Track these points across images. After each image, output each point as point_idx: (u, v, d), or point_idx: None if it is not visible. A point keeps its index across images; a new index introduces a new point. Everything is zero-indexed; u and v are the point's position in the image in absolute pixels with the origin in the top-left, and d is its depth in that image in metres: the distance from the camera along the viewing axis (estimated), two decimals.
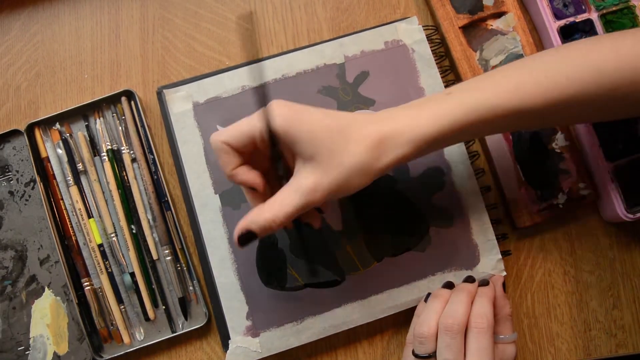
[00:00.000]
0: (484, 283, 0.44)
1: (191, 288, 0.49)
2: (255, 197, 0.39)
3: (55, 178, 0.49)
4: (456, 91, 0.38)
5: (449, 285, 0.45)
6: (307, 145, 0.34)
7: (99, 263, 0.48)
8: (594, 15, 0.50)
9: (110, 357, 0.47)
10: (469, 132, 0.38)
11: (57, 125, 0.50)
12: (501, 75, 0.38)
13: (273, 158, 0.37)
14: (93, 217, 0.49)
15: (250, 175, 0.37)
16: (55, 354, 0.48)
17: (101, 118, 0.50)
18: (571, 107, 0.37)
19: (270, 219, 0.35)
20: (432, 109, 0.37)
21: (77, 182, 0.49)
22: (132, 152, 0.50)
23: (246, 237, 0.36)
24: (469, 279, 0.45)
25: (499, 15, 0.52)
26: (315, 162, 0.35)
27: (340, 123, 0.35)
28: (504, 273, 0.48)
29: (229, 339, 0.46)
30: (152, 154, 0.49)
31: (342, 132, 0.35)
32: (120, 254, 0.49)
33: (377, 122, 0.36)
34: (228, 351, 0.46)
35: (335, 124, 0.35)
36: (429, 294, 0.45)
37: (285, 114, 0.35)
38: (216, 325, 0.47)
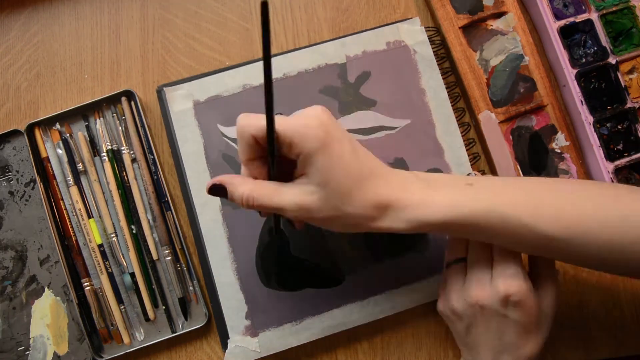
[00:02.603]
0: None
1: (191, 288, 0.49)
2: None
3: (55, 178, 0.49)
4: (477, 185, 0.37)
5: None
6: (322, 174, 0.34)
7: (99, 263, 0.48)
8: (594, 16, 0.50)
9: (110, 357, 0.47)
10: (475, 233, 0.37)
11: (57, 126, 0.50)
12: (524, 191, 0.37)
13: (271, 159, 0.36)
14: (93, 217, 0.49)
15: (259, 172, 0.37)
16: (55, 354, 0.48)
17: (101, 118, 0.50)
18: (583, 245, 0.35)
19: (251, 196, 0.35)
20: (447, 195, 0.36)
21: (77, 182, 0.49)
22: (132, 152, 0.50)
23: (216, 191, 0.37)
24: None
25: (499, 15, 0.52)
26: (320, 189, 0.34)
27: (362, 171, 0.35)
28: None
29: (228, 338, 0.46)
30: (152, 154, 0.49)
31: (358, 181, 0.35)
32: (120, 254, 0.49)
33: (391, 187, 0.36)
34: (227, 351, 0.46)
35: (356, 169, 0.35)
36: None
37: (320, 137, 0.34)
38: (216, 325, 0.47)
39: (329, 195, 0.34)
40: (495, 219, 0.35)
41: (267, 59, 0.29)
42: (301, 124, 0.34)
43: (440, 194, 0.36)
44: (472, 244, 0.40)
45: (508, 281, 0.37)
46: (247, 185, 0.35)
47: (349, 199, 0.34)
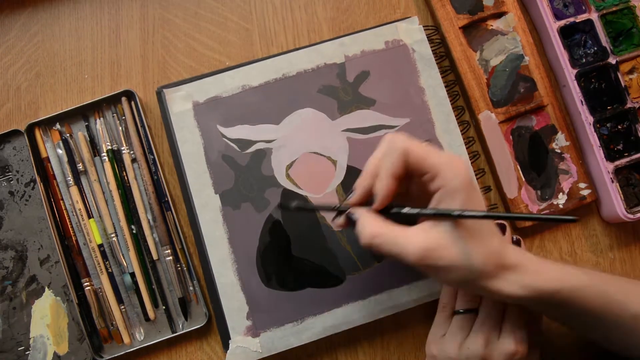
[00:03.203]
0: (517, 245, 0.45)
1: (191, 288, 0.49)
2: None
3: (55, 178, 0.49)
4: (572, 264, 0.39)
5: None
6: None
7: (99, 263, 0.48)
8: (594, 16, 0.50)
9: (110, 357, 0.47)
10: (572, 306, 0.37)
11: (57, 126, 0.50)
12: (612, 275, 0.40)
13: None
14: (93, 217, 0.49)
15: (387, 190, 0.36)
16: (55, 354, 0.48)
17: (101, 118, 0.50)
18: None
19: (374, 238, 0.35)
20: (557, 267, 0.37)
21: (77, 182, 0.49)
22: (132, 152, 0.50)
23: (347, 219, 0.38)
24: (501, 230, 0.45)
25: (499, 15, 0.52)
26: (454, 230, 0.34)
27: (493, 227, 0.35)
28: None
29: (229, 339, 0.46)
30: (152, 154, 0.49)
31: (490, 233, 0.35)
32: (120, 254, 0.49)
33: (515, 250, 0.36)
34: (228, 351, 0.46)
35: (490, 224, 0.35)
36: None
37: (469, 178, 0.34)
38: (216, 325, 0.47)
39: (459, 239, 0.34)
40: (593, 292, 0.36)
41: None
42: (454, 159, 0.34)
43: (551, 265, 0.37)
44: (486, 300, 0.41)
45: (518, 343, 0.39)
46: (374, 226, 0.36)
47: (476, 250, 0.34)
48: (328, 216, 0.48)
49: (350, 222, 0.38)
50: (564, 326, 0.44)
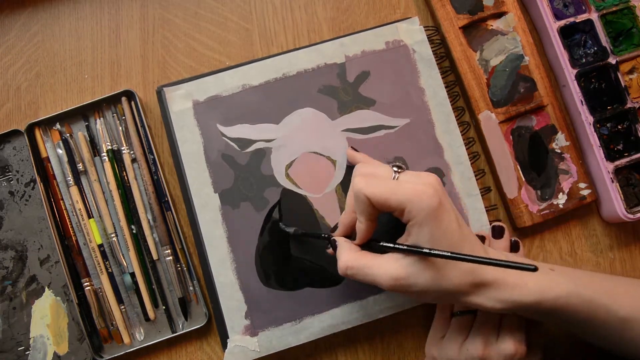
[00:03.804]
0: (515, 247, 0.45)
1: (191, 288, 0.49)
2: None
3: (55, 178, 0.49)
4: (558, 270, 0.39)
5: (481, 242, 0.44)
6: (429, 244, 0.35)
7: (99, 263, 0.48)
8: (594, 16, 0.50)
9: (110, 357, 0.47)
10: (555, 314, 0.37)
11: (57, 126, 0.50)
12: (602, 277, 0.40)
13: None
14: (93, 217, 0.49)
15: (367, 228, 0.38)
16: (55, 354, 0.48)
17: (101, 118, 0.50)
18: None
19: (350, 267, 0.37)
20: (537, 278, 0.37)
21: (77, 182, 0.49)
22: (132, 152, 0.50)
23: (332, 245, 0.40)
24: (499, 233, 0.45)
25: (499, 15, 0.52)
26: (422, 260, 0.35)
27: (464, 246, 0.36)
28: None
29: (228, 338, 0.46)
30: (152, 154, 0.49)
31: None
32: (121, 254, 0.49)
33: (485, 267, 0.36)
34: (226, 350, 0.46)
35: (459, 243, 0.35)
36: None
37: (433, 207, 0.34)
38: (215, 325, 0.47)
39: (428, 267, 0.35)
40: (578, 300, 0.37)
41: None
42: (417, 192, 0.35)
43: (532, 277, 0.37)
44: None
45: (517, 344, 0.39)
46: (347, 254, 0.38)
47: (448, 273, 0.35)
48: (327, 216, 0.48)
49: (332, 247, 0.40)
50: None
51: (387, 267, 0.36)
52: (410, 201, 0.34)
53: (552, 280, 0.37)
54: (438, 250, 0.34)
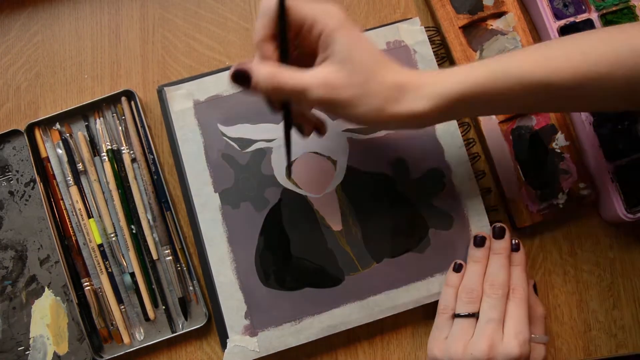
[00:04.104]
0: (516, 248, 0.45)
1: (191, 288, 0.49)
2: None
3: (55, 178, 0.49)
4: (487, 60, 0.38)
5: (482, 242, 0.45)
6: (346, 50, 0.34)
7: (99, 263, 0.48)
8: (594, 15, 0.50)
9: (110, 357, 0.47)
10: (492, 101, 0.37)
11: (57, 125, 0.50)
12: (533, 49, 0.38)
13: (281, 37, 0.36)
14: (93, 217, 0.49)
15: (272, 55, 0.36)
16: (55, 354, 0.48)
17: (101, 118, 0.50)
18: (601, 87, 0.36)
19: (274, 76, 0.35)
20: (460, 70, 0.37)
21: (77, 182, 0.49)
22: (132, 152, 0.50)
23: (239, 78, 0.36)
24: (500, 234, 0.45)
25: (499, 15, 0.52)
26: (345, 65, 0.35)
27: (380, 54, 0.36)
28: None
29: (228, 338, 0.46)
30: (152, 154, 0.49)
31: (379, 61, 0.36)
32: (120, 254, 0.49)
33: (406, 70, 0.37)
34: (226, 350, 0.46)
35: (376, 50, 0.36)
36: (457, 264, 0.46)
37: (342, 16, 0.35)
38: (215, 325, 0.47)
39: (353, 71, 0.35)
40: (511, 78, 0.36)
41: None
42: (323, 5, 0.35)
43: (454, 70, 0.37)
44: (487, 300, 0.42)
45: (521, 346, 0.40)
46: (269, 67, 0.35)
47: (373, 75, 0.35)
48: (327, 216, 0.48)
49: (244, 79, 0.36)
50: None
51: (315, 73, 0.35)
52: (320, 12, 0.35)
53: (479, 67, 0.37)
54: None
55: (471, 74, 0.36)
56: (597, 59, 0.35)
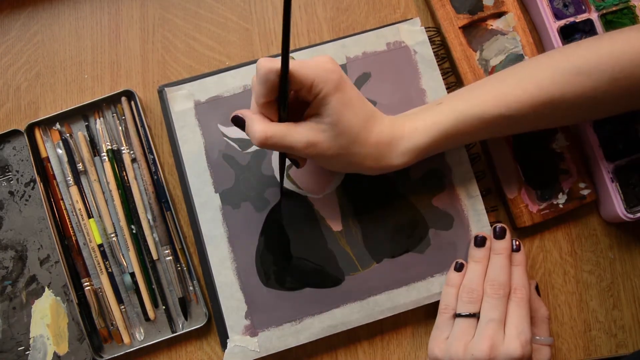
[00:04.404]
0: (517, 249, 0.45)
1: (191, 288, 0.49)
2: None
3: (55, 178, 0.49)
4: (446, 101, 0.43)
5: (483, 242, 0.46)
6: (335, 113, 0.37)
7: (99, 263, 0.48)
8: (594, 15, 0.50)
9: (110, 357, 0.47)
10: (461, 138, 0.43)
11: (57, 125, 0.50)
12: (490, 85, 0.42)
13: (281, 102, 0.38)
14: (93, 217, 0.49)
15: (272, 116, 0.39)
16: (55, 354, 0.48)
17: (101, 118, 0.50)
18: (557, 108, 0.41)
19: (265, 134, 0.37)
20: (426, 119, 0.42)
21: (77, 182, 0.49)
22: (132, 152, 0.50)
23: (236, 121, 0.39)
24: (501, 234, 0.45)
25: (499, 15, 0.52)
26: (332, 128, 0.38)
27: (367, 113, 0.40)
28: None
29: (228, 338, 0.46)
30: (152, 154, 0.49)
31: (364, 122, 0.39)
32: (120, 254, 0.49)
33: (386, 126, 0.41)
34: (226, 350, 0.46)
35: (363, 111, 0.39)
36: (458, 263, 0.46)
37: (337, 80, 0.37)
38: (215, 325, 0.47)
39: (340, 134, 0.38)
40: (474, 119, 0.41)
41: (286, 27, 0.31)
42: (322, 67, 0.37)
43: (420, 120, 0.42)
44: (487, 301, 0.42)
45: (523, 346, 0.40)
46: (262, 124, 0.38)
47: (357, 138, 0.39)
48: (327, 216, 0.48)
49: (241, 126, 0.39)
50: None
51: (302, 132, 0.38)
52: (318, 76, 0.36)
53: (442, 113, 0.41)
54: None
55: (436, 122, 0.41)
56: (549, 85, 0.40)
